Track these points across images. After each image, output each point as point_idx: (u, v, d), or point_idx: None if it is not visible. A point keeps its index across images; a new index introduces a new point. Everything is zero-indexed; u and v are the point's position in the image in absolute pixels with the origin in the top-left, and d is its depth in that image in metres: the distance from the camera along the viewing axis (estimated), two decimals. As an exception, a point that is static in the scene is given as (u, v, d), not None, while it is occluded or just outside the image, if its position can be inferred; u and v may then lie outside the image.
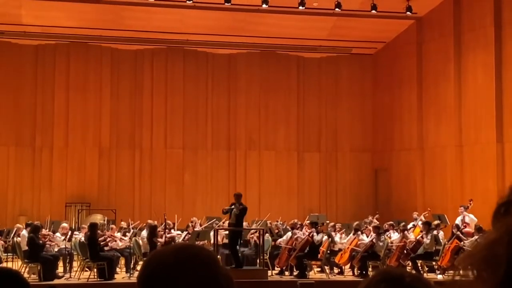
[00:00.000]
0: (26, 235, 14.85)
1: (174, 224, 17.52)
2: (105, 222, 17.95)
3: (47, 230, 16.50)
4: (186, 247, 1.57)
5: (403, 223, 17.00)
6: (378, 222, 17.57)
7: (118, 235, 16.27)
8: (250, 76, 23.70)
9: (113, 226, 16.74)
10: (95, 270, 14.55)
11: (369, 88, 24.30)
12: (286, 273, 15.61)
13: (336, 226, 17.31)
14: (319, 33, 22.38)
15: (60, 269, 15.04)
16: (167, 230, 16.32)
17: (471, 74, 20.48)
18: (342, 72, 24.30)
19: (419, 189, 21.76)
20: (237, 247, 14.86)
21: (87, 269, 14.89)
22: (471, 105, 20.31)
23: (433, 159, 21.50)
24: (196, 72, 23.43)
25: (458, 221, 16.63)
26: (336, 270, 16.15)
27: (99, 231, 15.21)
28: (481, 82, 20.07)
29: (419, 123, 21.98)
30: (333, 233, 16.40)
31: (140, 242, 15.51)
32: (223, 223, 17.24)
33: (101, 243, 14.82)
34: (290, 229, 16.63)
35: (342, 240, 16.54)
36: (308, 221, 17.40)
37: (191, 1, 19.96)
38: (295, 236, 15.78)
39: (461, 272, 1.05)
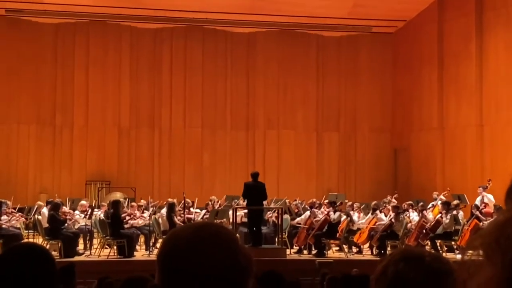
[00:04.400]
0: (47, 212, 15.00)
1: (193, 202, 17.57)
2: (125, 200, 18.04)
3: (67, 207, 16.63)
4: (205, 225, 1.57)
5: (422, 203, 16.95)
6: (396, 202, 17.52)
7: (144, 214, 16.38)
8: (269, 55, 23.58)
9: (134, 203, 16.80)
10: (115, 247, 14.68)
11: (389, 67, 24.11)
12: (305, 251, 15.67)
13: (354, 205, 17.29)
14: (339, 11, 22.20)
15: (81, 246, 15.19)
16: (186, 209, 16.39)
17: (492, 53, 20.24)
18: (361, 51, 24.11)
19: (438, 169, 21.63)
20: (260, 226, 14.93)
21: (107, 246, 15.03)
22: (492, 84, 20.09)
23: (453, 139, 21.33)
24: (215, 51, 23.37)
25: (477, 201, 16.54)
26: (354, 249, 16.17)
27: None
28: (502, 61, 19.84)
29: (440, 103, 21.79)
30: (351, 212, 16.39)
31: (160, 220, 15.61)
32: (243, 201, 17.26)
33: (123, 220, 14.92)
34: (308, 208, 16.64)
35: (360, 219, 16.53)
36: (327, 200, 17.42)
37: (210, -20, 19.88)
38: (314, 215, 15.80)
39: (470, 252, 1.03)
